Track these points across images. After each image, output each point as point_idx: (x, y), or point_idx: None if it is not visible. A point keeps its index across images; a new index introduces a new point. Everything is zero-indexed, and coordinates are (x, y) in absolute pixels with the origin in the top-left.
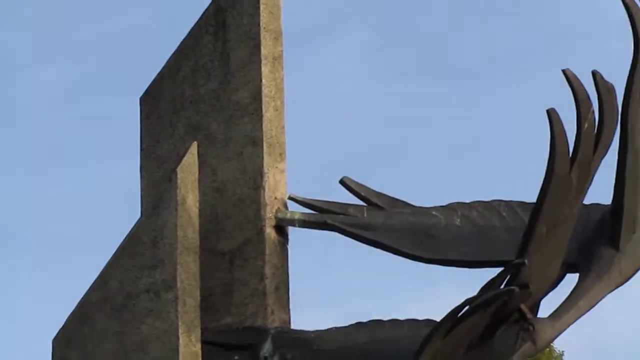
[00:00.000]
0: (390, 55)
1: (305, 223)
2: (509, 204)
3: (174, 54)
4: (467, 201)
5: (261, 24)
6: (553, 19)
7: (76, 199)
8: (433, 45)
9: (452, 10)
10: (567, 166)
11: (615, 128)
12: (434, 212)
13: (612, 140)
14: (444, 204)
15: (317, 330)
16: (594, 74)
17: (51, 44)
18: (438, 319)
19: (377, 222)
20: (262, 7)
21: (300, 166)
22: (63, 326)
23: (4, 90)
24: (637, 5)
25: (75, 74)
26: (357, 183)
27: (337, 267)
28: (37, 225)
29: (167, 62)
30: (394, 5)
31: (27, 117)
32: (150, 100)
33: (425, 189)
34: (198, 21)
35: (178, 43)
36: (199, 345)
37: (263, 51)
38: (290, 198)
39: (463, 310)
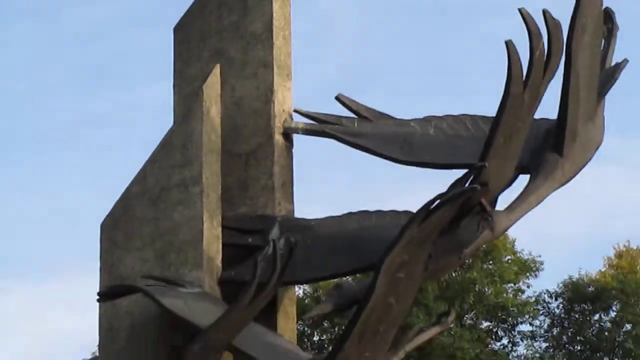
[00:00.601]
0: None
1: (307, 131)
2: (473, 117)
3: None
4: (440, 115)
5: None
6: None
7: (121, 111)
8: None
9: None
10: (521, 87)
11: (561, 56)
12: (412, 124)
13: (558, 66)
14: (420, 117)
15: (315, 219)
16: (544, 12)
17: None
18: (414, 211)
19: (366, 131)
20: None
21: (303, 85)
22: (109, 213)
23: (56, 24)
24: None
25: (121, 9)
26: (350, 99)
27: (332, 167)
28: (92, 130)
29: None
30: None
31: (82, 46)
32: (182, 31)
33: (406, 103)
34: None
35: None
36: (219, 229)
37: None
38: (295, 111)
39: (435, 204)
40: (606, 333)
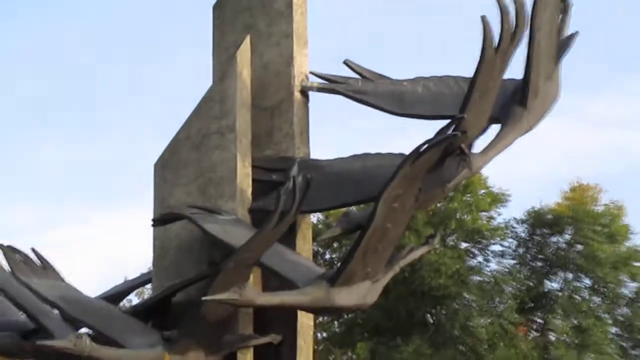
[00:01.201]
0: None
1: (320, 89)
2: (455, 78)
3: None
4: (427, 76)
5: None
6: None
7: (166, 76)
8: None
9: None
10: (493, 54)
11: (525, 29)
12: (404, 83)
13: (522, 36)
14: (411, 78)
15: (327, 159)
16: None
17: None
18: (407, 153)
19: (367, 89)
20: None
21: (318, 52)
22: (160, 156)
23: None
24: None
25: None
26: (355, 63)
27: (340, 118)
28: (136, 101)
29: None
30: None
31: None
32: (219, 9)
33: (401, 67)
34: None
35: None
36: (250, 168)
37: None
38: (311, 72)
39: (423, 148)
40: (562, 252)
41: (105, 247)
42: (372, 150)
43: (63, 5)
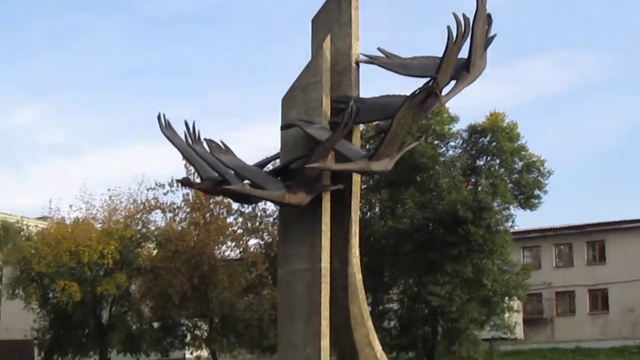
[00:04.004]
0: None
1: (366, 62)
2: (434, 57)
3: None
4: (418, 56)
5: None
6: None
7: (284, 57)
8: None
9: None
10: (453, 44)
11: (470, 31)
12: (407, 59)
13: (468, 35)
14: (411, 56)
15: (368, 97)
16: (463, 15)
17: None
18: (408, 95)
19: (389, 62)
20: None
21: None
22: (285, 95)
23: None
24: None
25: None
26: (384, 50)
27: (376, 78)
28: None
29: None
30: None
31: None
32: (315, 21)
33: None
34: None
35: None
36: (329, 101)
37: None
38: (361, 54)
39: (417, 91)
40: (484, 146)
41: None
42: (394, 92)
43: None
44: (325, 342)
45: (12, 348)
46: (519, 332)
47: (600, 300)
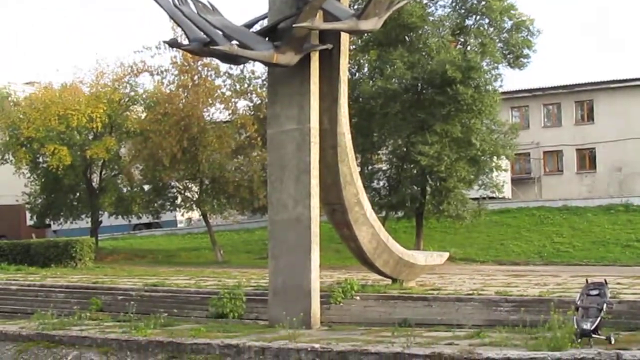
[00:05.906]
0: None
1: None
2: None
3: None
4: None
5: None
6: None
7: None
8: None
9: None
10: None
11: None
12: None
13: None
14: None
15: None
16: None
17: None
18: None
19: None
20: None
21: None
22: None
23: None
24: None
25: None
26: None
27: None
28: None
29: None
30: None
31: None
32: None
33: None
34: None
35: None
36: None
37: None
38: None
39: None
40: (474, 5)
41: None
42: None
43: None
44: (315, 201)
45: (3, 212)
46: (507, 191)
47: (587, 159)
